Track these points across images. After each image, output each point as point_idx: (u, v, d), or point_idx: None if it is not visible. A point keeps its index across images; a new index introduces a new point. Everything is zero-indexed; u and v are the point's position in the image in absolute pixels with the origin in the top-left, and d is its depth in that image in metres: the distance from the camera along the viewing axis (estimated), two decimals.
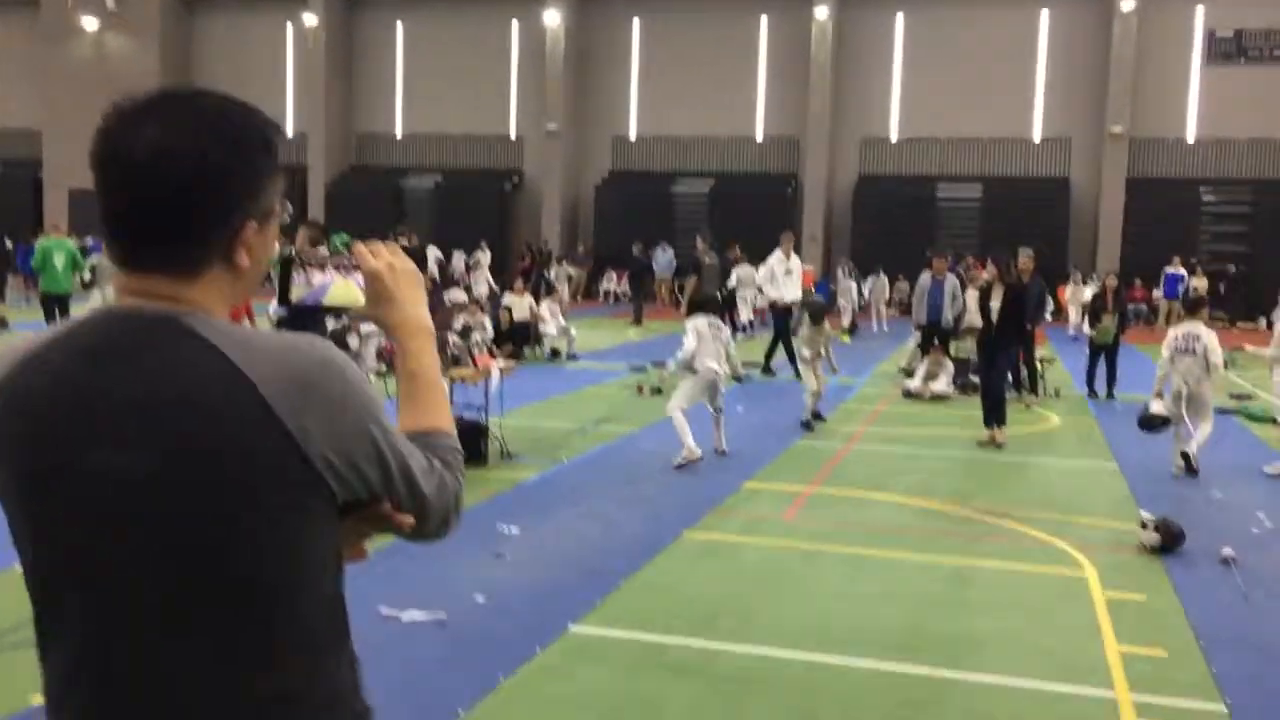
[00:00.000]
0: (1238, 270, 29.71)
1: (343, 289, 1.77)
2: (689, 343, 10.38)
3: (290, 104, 37.50)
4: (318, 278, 1.76)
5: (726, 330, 10.76)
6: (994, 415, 11.47)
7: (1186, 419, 10.41)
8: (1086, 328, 15.58)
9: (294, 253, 1.81)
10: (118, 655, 1.46)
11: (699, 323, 10.50)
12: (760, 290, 24.38)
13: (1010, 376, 13.38)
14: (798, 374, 15.92)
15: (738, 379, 10.97)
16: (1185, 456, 10.33)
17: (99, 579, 1.46)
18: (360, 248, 1.77)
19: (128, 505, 1.44)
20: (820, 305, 13.49)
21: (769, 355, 16.60)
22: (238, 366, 1.45)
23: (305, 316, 8.92)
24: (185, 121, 1.51)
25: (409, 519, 1.61)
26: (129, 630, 1.46)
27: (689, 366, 10.42)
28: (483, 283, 25.95)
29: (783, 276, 16.42)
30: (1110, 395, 15.11)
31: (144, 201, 1.49)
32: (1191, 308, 11.09)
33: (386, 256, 1.77)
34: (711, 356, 10.33)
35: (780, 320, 16.68)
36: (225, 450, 1.43)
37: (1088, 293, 22.28)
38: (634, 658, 5.64)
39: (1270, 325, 24.40)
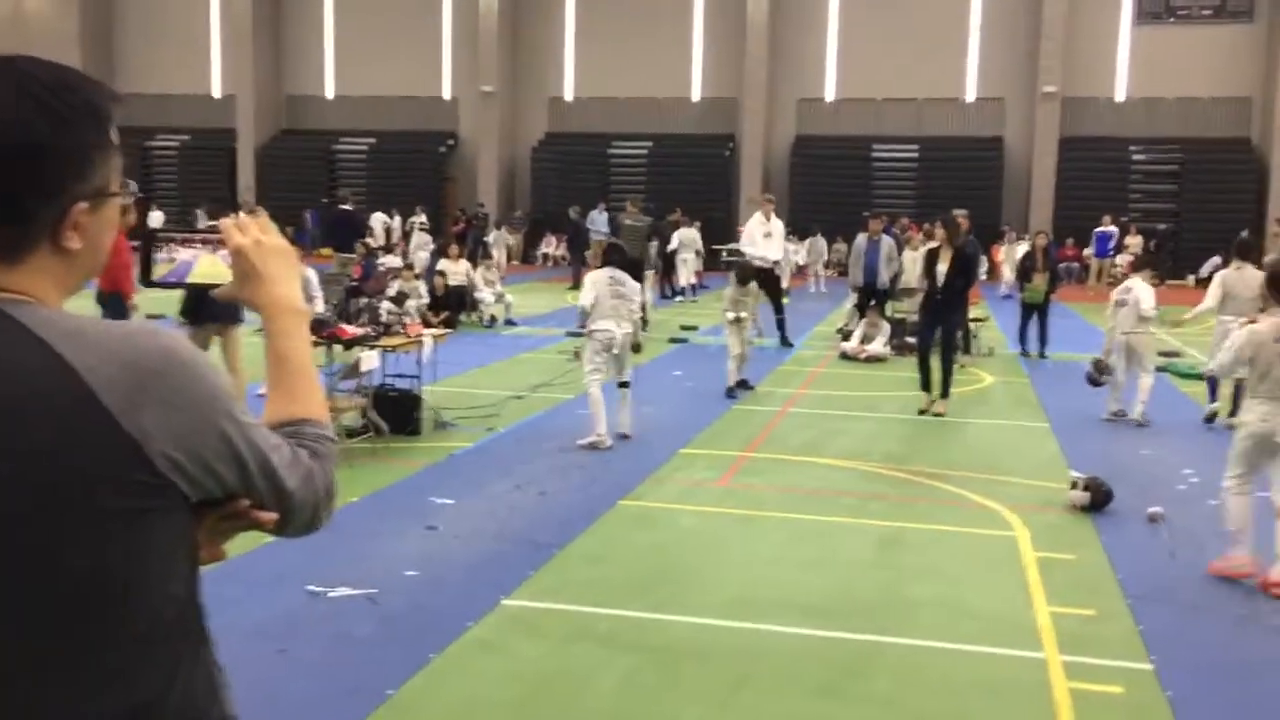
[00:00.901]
0: (1167, 228, 30.18)
1: (209, 266, 1.66)
2: (583, 298, 9.51)
3: (217, 65, 36.59)
4: (182, 255, 1.65)
5: (633, 286, 9.72)
6: (942, 387, 11.39)
7: (1125, 368, 11.06)
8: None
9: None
10: None
11: (598, 276, 9.62)
12: (698, 253, 24.52)
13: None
14: (783, 340, 15.92)
15: (637, 348, 9.84)
16: (1118, 415, 11.09)
17: None
18: (225, 223, 1.65)
19: None
20: (747, 265, 13.12)
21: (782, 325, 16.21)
22: (65, 360, 1.33)
23: (204, 298, 8.55)
24: (1, 90, 1.38)
25: (272, 516, 1.51)
26: None
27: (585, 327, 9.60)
28: (424, 249, 25.57)
29: (762, 239, 16.30)
30: (1042, 354, 15.29)
31: None
32: (1136, 264, 12.18)
33: (254, 232, 1.65)
34: (608, 316, 9.39)
35: (773, 285, 16.51)
36: (47, 451, 1.32)
37: (1020, 252, 22.50)
38: (567, 630, 5.59)
39: (1199, 282, 24.87)
